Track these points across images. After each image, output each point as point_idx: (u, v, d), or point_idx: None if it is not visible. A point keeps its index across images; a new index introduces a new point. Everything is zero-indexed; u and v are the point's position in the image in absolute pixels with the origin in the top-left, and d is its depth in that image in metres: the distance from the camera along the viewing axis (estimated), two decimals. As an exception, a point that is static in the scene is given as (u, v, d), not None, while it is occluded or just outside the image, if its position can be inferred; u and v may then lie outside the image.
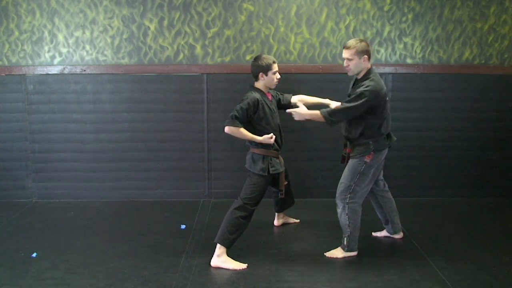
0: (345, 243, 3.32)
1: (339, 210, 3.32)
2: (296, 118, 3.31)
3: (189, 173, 4.61)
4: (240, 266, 3.18)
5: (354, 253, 3.35)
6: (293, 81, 4.44)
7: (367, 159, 3.19)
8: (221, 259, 3.20)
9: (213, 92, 4.47)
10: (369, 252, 3.41)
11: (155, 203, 4.51)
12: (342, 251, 3.35)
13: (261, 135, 3.29)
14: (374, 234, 3.74)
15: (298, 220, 4.05)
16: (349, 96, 3.25)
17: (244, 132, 3.28)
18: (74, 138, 4.53)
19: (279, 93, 3.65)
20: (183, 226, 3.90)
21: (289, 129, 4.51)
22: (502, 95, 4.57)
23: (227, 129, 3.28)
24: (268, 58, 3.35)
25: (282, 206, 3.92)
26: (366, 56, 3.12)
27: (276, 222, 3.99)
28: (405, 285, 2.93)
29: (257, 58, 3.37)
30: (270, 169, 3.33)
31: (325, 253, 3.37)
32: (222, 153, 4.55)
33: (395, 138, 3.38)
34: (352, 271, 3.13)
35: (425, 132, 4.59)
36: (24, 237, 3.67)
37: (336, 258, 3.32)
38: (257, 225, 3.97)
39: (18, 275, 3.04)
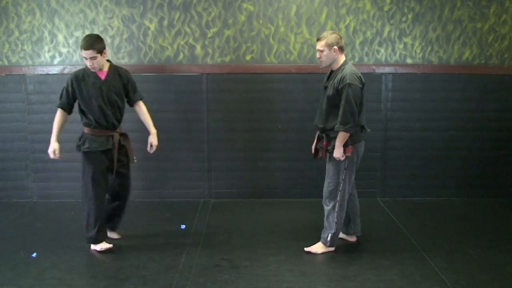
0: (328, 239, 3.35)
1: (328, 208, 3.34)
2: (341, 159, 3.18)
3: (189, 173, 4.61)
4: (106, 245, 3.36)
5: (333, 249, 3.39)
6: (293, 81, 4.44)
7: (348, 153, 3.18)
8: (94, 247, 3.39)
9: (212, 92, 4.46)
10: (369, 252, 3.41)
11: (155, 203, 4.51)
12: (323, 246, 3.38)
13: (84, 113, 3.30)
14: None
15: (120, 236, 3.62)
16: (325, 88, 3.29)
17: (56, 118, 3.32)
18: (74, 138, 4.51)
19: (133, 84, 3.46)
20: (183, 226, 3.90)
21: (289, 129, 4.52)
22: (502, 95, 4.57)
23: None
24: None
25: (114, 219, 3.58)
26: (335, 47, 3.16)
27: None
28: (405, 285, 2.93)
29: None
30: (82, 147, 3.30)
31: (305, 248, 3.40)
32: (222, 153, 4.55)
33: (369, 130, 3.35)
34: (352, 271, 3.13)
35: (425, 132, 4.59)
36: (24, 237, 3.67)
37: (316, 253, 3.37)
38: (257, 225, 3.98)
39: (18, 275, 3.04)
